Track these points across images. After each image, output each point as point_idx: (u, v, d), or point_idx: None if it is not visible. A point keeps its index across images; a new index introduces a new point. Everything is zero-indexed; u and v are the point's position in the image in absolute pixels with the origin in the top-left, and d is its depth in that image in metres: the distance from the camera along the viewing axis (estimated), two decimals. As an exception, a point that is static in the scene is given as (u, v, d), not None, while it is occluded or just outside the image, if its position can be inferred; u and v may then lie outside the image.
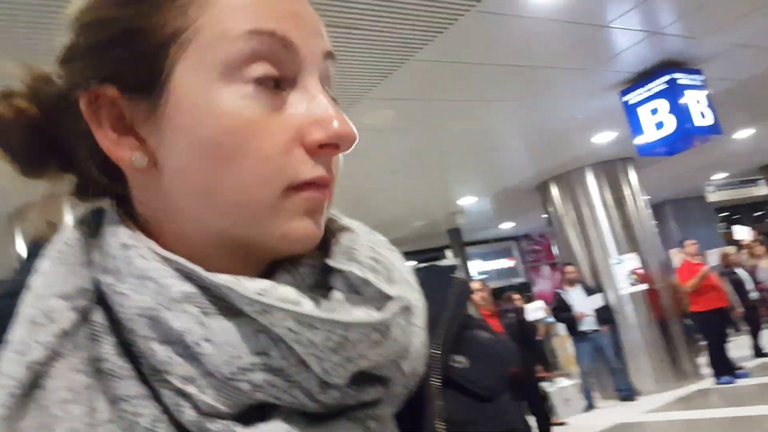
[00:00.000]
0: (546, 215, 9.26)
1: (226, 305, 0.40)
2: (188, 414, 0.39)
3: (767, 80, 6.42)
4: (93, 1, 0.43)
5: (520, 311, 6.09)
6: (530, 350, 5.65)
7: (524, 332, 5.68)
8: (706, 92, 5.52)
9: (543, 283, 14.95)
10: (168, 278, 0.40)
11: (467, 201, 9.72)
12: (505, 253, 15.08)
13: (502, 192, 9.44)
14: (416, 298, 0.45)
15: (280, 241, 0.43)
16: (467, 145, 6.68)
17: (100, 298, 0.42)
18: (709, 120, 5.49)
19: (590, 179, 8.55)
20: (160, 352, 0.39)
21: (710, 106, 5.53)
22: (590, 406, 7.78)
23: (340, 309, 0.42)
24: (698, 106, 5.45)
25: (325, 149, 0.43)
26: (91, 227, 0.46)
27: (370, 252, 0.45)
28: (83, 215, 0.48)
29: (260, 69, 0.41)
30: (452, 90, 4.99)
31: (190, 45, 0.41)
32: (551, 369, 6.07)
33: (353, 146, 0.44)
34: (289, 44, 0.43)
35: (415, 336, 0.44)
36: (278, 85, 0.43)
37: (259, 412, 0.40)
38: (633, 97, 5.66)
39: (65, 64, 0.45)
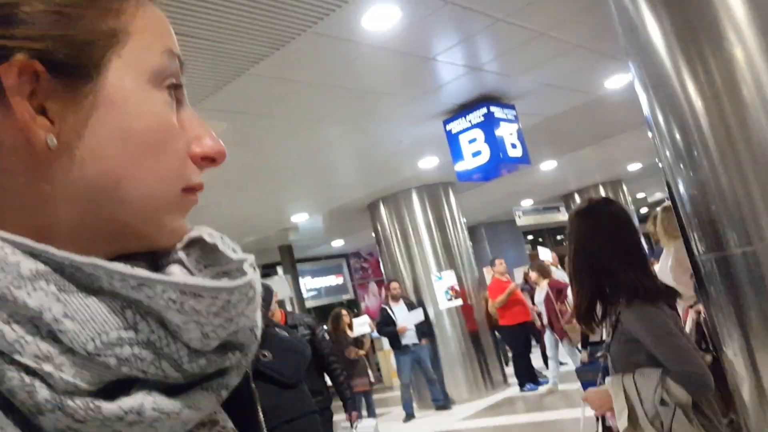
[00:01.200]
0: (374, 234, 9.60)
1: (82, 283, 0.40)
2: (42, 394, 0.37)
3: (570, 118, 7.25)
4: None
5: (314, 327, 4.71)
6: (318, 378, 4.36)
7: (315, 354, 4.13)
8: (517, 126, 6.11)
9: (370, 300, 15.38)
10: (12, 255, 0.39)
11: (299, 218, 9.77)
12: (335, 270, 15.32)
13: (334, 210, 9.62)
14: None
15: (169, 234, 0.48)
16: (300, 162, 6.75)
17: None
18: (519, 151, 6.07)
19: (415, 201, 9.03)
20: (8, 332, 0.38)
21: (521, 138, 6.12)
22: (410, 416, 8.14)
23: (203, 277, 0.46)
24: (510, 137, 6.00)
25: (206, 161, 0.50)
26: None
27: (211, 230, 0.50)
28: None
29: (171, 83, 0.48)
30: (286, 107, 5.05)
31: (124, 47, 0.45)
32: (350, 406, 4.70)
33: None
34: (183, 68, 0.50)
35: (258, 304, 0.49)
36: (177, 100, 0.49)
37: (118, 387, 0.40)
38: (454, 126, 6.10)
39: None
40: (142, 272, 0.40)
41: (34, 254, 0.40)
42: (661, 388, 1.94)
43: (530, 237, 18.36)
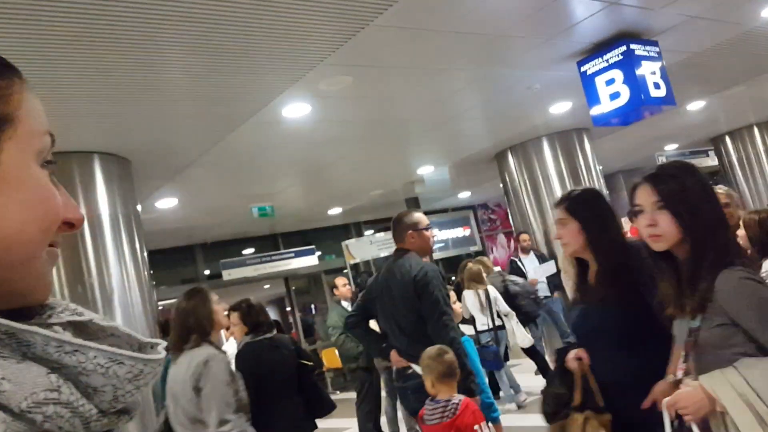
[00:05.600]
0: (502, 185, 9.35)
1: (16, 349, 0.47)
2: None
3: (719, 53, 6.56)
4: None
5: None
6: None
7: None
8: (661, 63, 5.60)
9: (498, 251, 15.17)
10: None
11: (425, 170, 9.72)
12: (462, 222, 15.20)
13: (460, 161, 9.47)
14: None
15: (45, 287, 0.54)
16: (425, 113, 6.65)
17: None
18: (662, 91, 5.57)
19: (546, 149, 8.66)
20: None
21: (664, 77, 5.61)
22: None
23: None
24: (653, 77, 5.52)
25: (65, 226, 0.57)
26: None
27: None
28: None
29: (47, 159, 0.56)
30: (410, 57, 4.94)
31: (16, 130, 0.52)
32: None
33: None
34: (54, 144, 0.57)
35: None
36: None
37: None
38: (590, 67, 5.70)
39: None
40: (78, 340, 0.49)
41: None
42: None
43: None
